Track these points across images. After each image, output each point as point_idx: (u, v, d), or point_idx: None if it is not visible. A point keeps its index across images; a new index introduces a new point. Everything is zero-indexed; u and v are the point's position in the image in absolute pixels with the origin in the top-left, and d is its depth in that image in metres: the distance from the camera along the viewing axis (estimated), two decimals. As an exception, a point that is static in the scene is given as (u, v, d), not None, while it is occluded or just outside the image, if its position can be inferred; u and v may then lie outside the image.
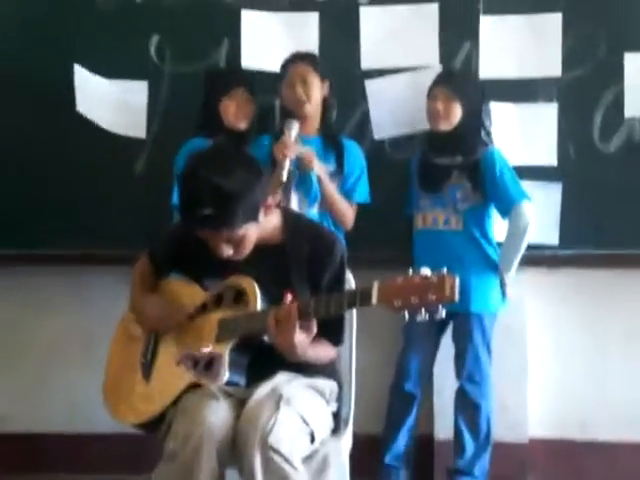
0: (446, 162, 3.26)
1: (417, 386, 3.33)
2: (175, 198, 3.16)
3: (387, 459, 3.34)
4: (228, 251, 2.32)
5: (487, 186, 3.24)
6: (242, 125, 3.32)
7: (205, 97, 3.35)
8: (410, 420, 3.35)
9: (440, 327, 3.33)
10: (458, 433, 3.30)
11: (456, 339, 3.32)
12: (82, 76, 3.54)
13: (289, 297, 2.24)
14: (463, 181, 3.24)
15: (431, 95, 3.28)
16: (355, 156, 3.34)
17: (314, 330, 2.25)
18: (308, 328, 2.23)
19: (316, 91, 3.25)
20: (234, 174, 2.24)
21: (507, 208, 3.23)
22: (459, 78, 3.39)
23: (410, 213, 3.42)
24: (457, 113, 3.23)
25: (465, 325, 3.25)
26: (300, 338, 2.22)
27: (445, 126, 3.24)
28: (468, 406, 3.27)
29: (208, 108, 3.32)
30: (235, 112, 3.29)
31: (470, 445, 3.28)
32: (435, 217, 3.28)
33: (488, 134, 3.32)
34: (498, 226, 3.34)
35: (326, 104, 3.33)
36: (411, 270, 2.11)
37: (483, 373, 3.28)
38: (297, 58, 3.27)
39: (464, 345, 3.27)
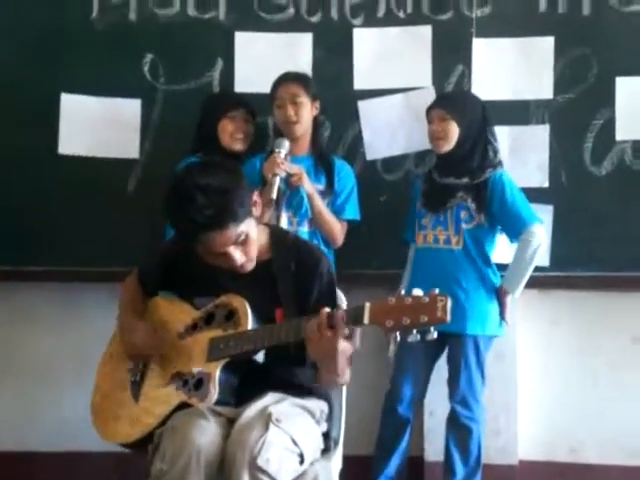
0: (451, 182, 3.25)
1: (410, 410, 3.31)
2: None
3: None
4: (240, 257, 2.32)
5: (495, 209, 3.21)
6: (238, 146, 3.33)
7: (202, 117, 3.36)
8: (403, 444, 3.32)
9: (435, 352, 3.31)
10: (449, 456, 3.27)
11: (451, 361, 3.29)
12: (70, 105, 3.56)
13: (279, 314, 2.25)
14: (467, 201, 3.22)
15: (428, 119, 3.28)
16: (345, 174, 3.35)
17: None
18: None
19: (307, 111, 3.26)
20: (216, 174, 2.28)
21: (518, 231, 3.20)
22: (453, 98, 3.39)
23: (408, 238, 3.41)
24: (454, 132, 3.21)
25: (460, 347, 3.22)
26: (344, 346, 2.20)
27: (445, 147, 3.23)
28: (460, 429, 3.25)
29: (205, 128, 3.33)
30: (232, 133, 3.31)
31: (460, 468, 3.25)
32: (436, 235, 3.26)
33: (495, 153, 3.29)
34: (498, 248, 3.33)
35: (316, 123, 3.35)
36: (403, 290, 2.12)
37: (476, 396, 3.25)
38: (288, 78, 3.27)
39: (458, 367, 3.24)
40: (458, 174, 3.24)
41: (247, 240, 2.32)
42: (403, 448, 3.33)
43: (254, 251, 2.37)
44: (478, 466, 3.26)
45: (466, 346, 3.21)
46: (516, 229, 3.22)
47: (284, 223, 3.20)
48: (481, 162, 3.25)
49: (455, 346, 3.24)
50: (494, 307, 3.25)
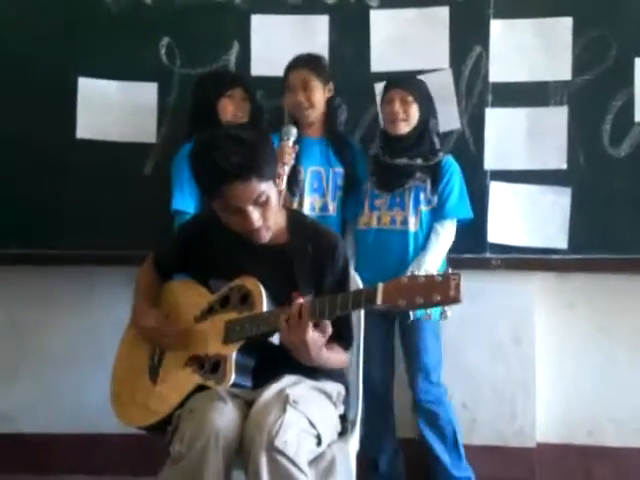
0: (405, 163, 3.21)
1: None
2: (175, 204, 3.18)
3: None
4: (258, 220, 2.31)
5: (439, 190, 3.20)
6: None
7: (200, 98, 3.32)
8: None
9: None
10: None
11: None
12: (87, 90, 3.57)
13: (299, 298, 2.24)
14: (426, 183, 3.20)
15: (387, 99, 3.23)
16: (362, 159, 3.37)
17: (329, 331, 2.25)
18: (323, 328, 2.23)
19: (319, 95, 3.25)
20: (248, 130, 2.36)
21: (439, 217, 3.20)
22: (414, 81, 3.32)
23: (349, 215, 3.35)
24: (415, 115, 3.19)
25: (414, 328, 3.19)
26: (314, 337, 2.22)
27: (405, 128, 3.20)
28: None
29: (203, 109, 3.29)
30: (233, 112, 3.28)
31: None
32: (393, 217, 3.22)
33: (438, 135, 3.27)
34: (512, 229, 3.33)
35: (330, 105, 3.33)
36: (416, 270, 2.12)
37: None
38: (298, 64, 3.25)
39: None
40: (410, 156, 3.21)
41: (267, 203, 2.32)
42: None
43: (272, 218, 2.37)
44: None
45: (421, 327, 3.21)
46: (438, 214, 3.21)
47: (307, 208, 3.20)
48: (431, 146, 3.23)
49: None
50: None
